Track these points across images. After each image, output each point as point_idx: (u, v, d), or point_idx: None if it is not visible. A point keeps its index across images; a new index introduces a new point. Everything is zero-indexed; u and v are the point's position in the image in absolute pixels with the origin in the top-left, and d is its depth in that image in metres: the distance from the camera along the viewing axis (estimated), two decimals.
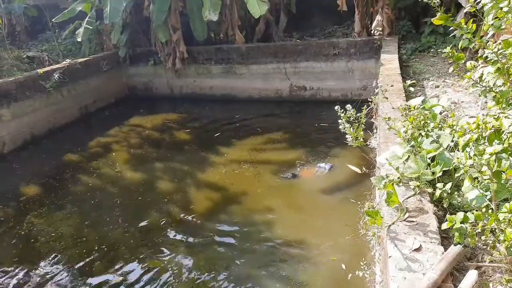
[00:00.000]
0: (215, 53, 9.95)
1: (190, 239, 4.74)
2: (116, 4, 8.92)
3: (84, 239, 4.91)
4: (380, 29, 8.36)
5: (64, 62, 9.74)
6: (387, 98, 3.98)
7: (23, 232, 5.19)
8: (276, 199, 5.38)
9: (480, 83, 2.09)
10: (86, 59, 10.13)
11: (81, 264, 4.48)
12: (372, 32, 8.63)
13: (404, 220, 2.42)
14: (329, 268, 3.93)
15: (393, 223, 2.38)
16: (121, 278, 4.20)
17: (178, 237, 4.82)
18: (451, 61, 3.93)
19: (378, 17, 8.37)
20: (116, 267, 4.37)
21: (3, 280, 4.31)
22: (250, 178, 6.05)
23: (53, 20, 10.87)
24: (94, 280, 4.22)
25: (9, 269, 4.49)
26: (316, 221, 4.77)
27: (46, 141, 8.50)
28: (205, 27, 9.51)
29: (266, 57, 9.45)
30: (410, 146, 2.90)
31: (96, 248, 4.70)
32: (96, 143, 8.17)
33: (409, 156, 2.79)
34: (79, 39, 10.26)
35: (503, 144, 1.87)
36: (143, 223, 5.14)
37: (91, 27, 9.96)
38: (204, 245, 4.61)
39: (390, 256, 2.16)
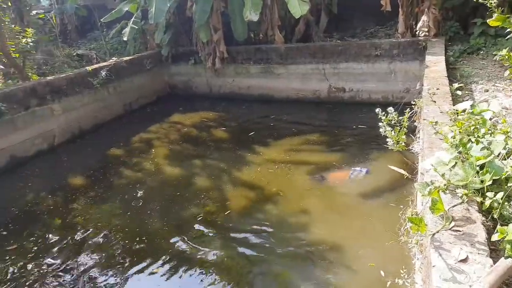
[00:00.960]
0: (254, 53, 10.02)
1: (226, 236, 4.82)
2: (160, 4, 9.22)
3: (126, 229, 5.13)
4: (426, 30, 8.06)
5: (111, 60, 10.22)
6: (435, 101, 3.83)
7: (68, 220, 5.49)
8: (311, 200, 5.34)
9: None
10: (131, 57, 10.56)
11: (121, 253, 4.69)
12: (417, 33, 8.34)
13: (449, 229, 2.33)
14: (367, 274, 3.83)
15: (437, 232, 2.30)
16: (159, 268, 4.35)
17: (214, 233, 4.92)
18: (506, 64, 3.72)
19: (424, 18, 8.07)
20: (155, 258, 4.53)
21: (49, 266, 4.59)
22: (285, 178, 6.05)
23: (101, 20, 11.45)
24: (133, 270, 4.40)
25: (55, 255, 4.78)
26: (353, 225, 4.68)
27: (92, 135, 8.96)
28: (245, 27, 9.61)
29: (305, 58, 9.40)
30: (457, 152, 2.79)
31: (137, 239, 4.89)
32: (138, 138, 8.50)
33: (456, 162, 2.68)
34: (124, 38, 10.73)
35: None
36: (180, 217, 5.29)
37: (136, 27, 10.38)
38: (238, 243, 4.67)
39: (434, 266, 2.09)
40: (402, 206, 4.53)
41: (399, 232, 3.18)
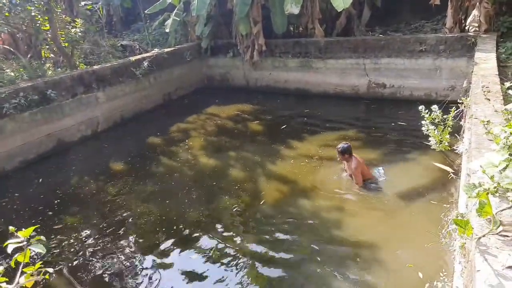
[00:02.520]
0: (293, 47, 9.94)
1: (259, 229, 4.85)
2: None
3: (164, 217, 5.29)
4: (476, 25, 7.63)
5: (153, 51, 10.51)
6: (489, 99, 3.63)
7: (108, 205, 5.74)
8: (346, 197, 5.26)
9: None
10: (172, 49, 10.81)
11: (158, 239, 4.85)
12: (466, 28, 7.93)
13: (497, 233, 2.22)
14: (405, 275, 3.70)
15: (484, 235, 2.20)
16: (195, 256, 4.47)
17: (248, 224, 4.98)
18: None
19: (475, 12, 7.65)
20: (191, 246, 4.66)
21: (90, 246, 4.84)
22: (320, 174, 5.98)
23: (145, 11, 11.79)
24: (169, 256, 4.54)
25: (96, 236, 5.03)
26: (391, 224, 4.55)
27: (133, 123, 9.30)
28: (285, 20, 9.54)
29: (345, 52, 9.21)
30: (509, 154, 2.64)
31: (174, 227, 5.03)
32: (176, 128, 8.72)
33: (507, 165, 2.54)
34: (167, 30, 10.99)
35: None
36: (216, 208, 5.39)
37: (178, 19, 10.60)
38: (272, 237, 4.68)
39: (478, 270, 2.00)
40: (443, 207, 4.37)
41: (440, 234, 3.06)
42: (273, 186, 5.82)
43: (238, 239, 4.68)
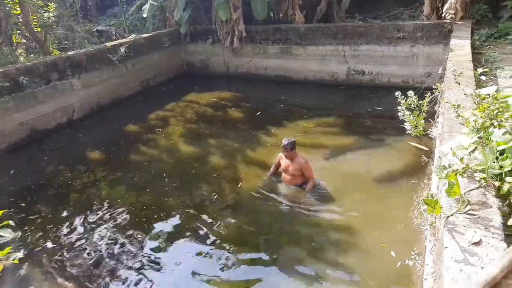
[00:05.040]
0: (273, 33, 9.89)
1: (238, 215, 4.87)
2: None
3: (144, 206, 5.22)
4: (453, 12, 7.76)
5: (130, 37, 10.26)
6: (459, 83, 3.72)
7: (85, 195, 5.62)
8: (324, 180, 5.33)
9: None
10: (150, 34, 10.56)
11: (137, 229, 4.79)
12: (443, 15, 8.05)
13: (464, 212, 2.30)
14: (378, 255, 3.84)
15: (452, 214, 2.28)
16: (177, 244, 4.47)
17: (227, 211, 4.97)
18: None
19: None
20: (173, 234, 4.63)
21: (65, 237, 4.76)
22: None
23: None
24: (149, 245, 4.49)
25: (71, 227, 4.95)
26: (367, 206, 4.66)
27: (110, 111, 9.10)
28: (265, 6, 9.46)
29: (325, 39, 9.22)
30: (478, 137, 2.72)
31: (155, 216, 4.97)
32: (155, 116, 8.59)
33: (476, 147, 2.62)
34: (144, 15, 10.72)
35: None
36: (196, 195, 5.37)
37: (156, 4, 10.35)
38: (251, 221, 4.73)
39: (446, 247, 2.08)
40: (417, 189, 4.50)
41: (413, 214, 3.16)
42: (253, 172, 5.83)
43: (219, 226, 4.69)
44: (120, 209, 5.19)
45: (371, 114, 7.56)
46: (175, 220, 4.91)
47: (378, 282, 3.54)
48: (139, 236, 4.64)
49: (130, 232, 4.74)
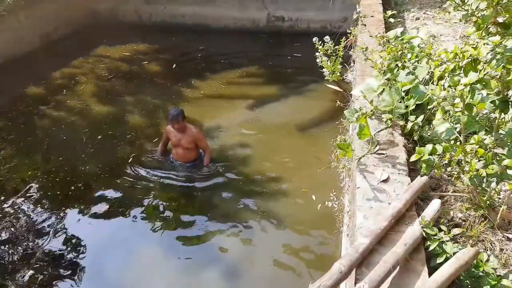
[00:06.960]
0: None
1: (161, 175, 4.71)
2: None
3: (58, 178, 4.74)
4: None
5: None
6: (365, 25, 3.81)
7: None
8: (249, 134, 5.35)
9: (463, 6, 1.96)
10: None
11: (55, 202, 4.42)
12: None
13: (374, 152, 2.43)
14: (301, 199, 4.06)
15: (363, 156, 2.39)
16: (99, 213, 4.22)
17: (148, 172, 4.76)
18: None
19: None
20: (94, 204, 4.35)
21: None
22: (224, 113, 5.93)
23: None
24: (70, 218, 4.20)
25: None
26: (288, 155, 4.82)
27: (5, 72, 7.84)
28: None
29: None
30: (385, 79, 2.83)
31: (72, 188, 4.58)
32: (60, 74, 7.66)
33: (384, 89, 2.73)
34: None
35: (478, 75, 1.81)
36: (114, 158, 5.03)
37: None
38: (175, 179, 4.63)
39: (358, 187, 2.19)
40: (335, 134, 4.71)
41: (330, 158, 3.31)
42: None
43: (140, 183, 4.53)
44: (33, 183, 4.67)
45: (292, 61, 7.61)
46: (95, 189, 4.59)
47: (304, 226, 3.77)
48: (56, 211, 4.27)
49: (46, 207, 4.34)
